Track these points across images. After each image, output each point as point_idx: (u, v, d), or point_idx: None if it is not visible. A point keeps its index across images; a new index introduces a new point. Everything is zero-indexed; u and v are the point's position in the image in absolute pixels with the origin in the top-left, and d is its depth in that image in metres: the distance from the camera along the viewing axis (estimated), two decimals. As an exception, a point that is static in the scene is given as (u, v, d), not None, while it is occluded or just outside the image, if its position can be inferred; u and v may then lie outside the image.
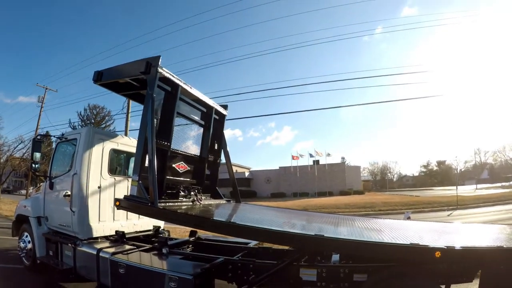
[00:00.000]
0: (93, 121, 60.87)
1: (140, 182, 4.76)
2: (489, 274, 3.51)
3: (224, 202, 7.17)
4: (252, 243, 5.98)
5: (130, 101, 19.76)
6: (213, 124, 7.04)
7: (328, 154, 61.70)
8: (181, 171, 6.13)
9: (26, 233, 7.19)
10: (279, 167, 63.76)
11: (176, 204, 5.34)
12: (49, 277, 6.63)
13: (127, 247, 5.64)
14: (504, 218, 17.25)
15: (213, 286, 4.58)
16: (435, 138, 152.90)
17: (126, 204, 4.88)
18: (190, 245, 6.35)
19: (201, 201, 6.13)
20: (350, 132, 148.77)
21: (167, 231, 7.35)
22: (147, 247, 5.70)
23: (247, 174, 64.00)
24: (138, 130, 5.06)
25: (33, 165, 6.79)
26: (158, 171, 4.85)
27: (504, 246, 3.35)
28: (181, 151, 6.13)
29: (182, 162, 6.15)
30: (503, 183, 55.63)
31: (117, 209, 5.06)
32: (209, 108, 6.90)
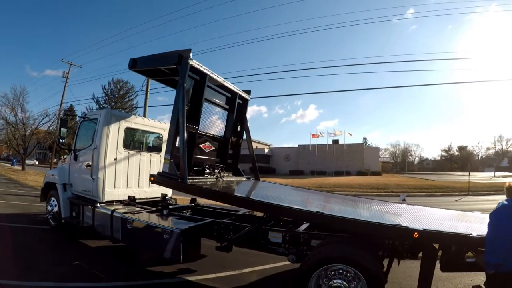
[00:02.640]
0: (116, 95, 62.08)
1: (172, 160, 5.47)
2: (431, 255, 4.14)
3: (244, 179, 7.98)
4: (242, 211, 6.92)
5: (149, 80, 20.78)
6: (236, 108, 7.81)
7: (350, 134, 61.75)
8: (206, 151, 7.00)
9: (53, 198, 8.35)
10: (298, 145, 64.07)
11: (202, 180, 6.16)
12: (71, 236, 7.80)
13: (136, 209, 6.71)
14: None
15: (199, 243, 5.54)
16: (459, 123, 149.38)
17: (159, 179, 5.61)
18: (189, 210, 7.39)
19: (224, 178, 6.97)
20: (375, 114, 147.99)
21: (174, 199, 8.33)
22: (152, 210, 6.74)
23: (266, 151, 64.72)
24: (171, 115, 5.66)
25: (60, 140, 7.97)
26: (187, 151, 5.56)
27: (454, 231, 4.10)
28: (207, 133, 6.95)
29: (207, 143, 7.00)
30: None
31: (152, 183, 5.85)
32: (233, 93, 7.63)
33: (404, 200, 8.08)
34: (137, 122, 7.88)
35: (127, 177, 7.53)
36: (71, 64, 35.12)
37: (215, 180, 6.61)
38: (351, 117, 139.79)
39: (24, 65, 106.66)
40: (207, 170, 6.72)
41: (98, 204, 6.87)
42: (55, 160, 39.79)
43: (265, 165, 57.02)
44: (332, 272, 4.14)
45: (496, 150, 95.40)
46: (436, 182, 36.72)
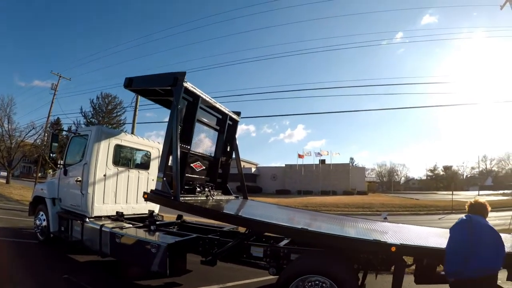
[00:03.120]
0: (104, 109, 61.51)
1: (165, 179, 5.62)
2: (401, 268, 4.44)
3: (233, 198, 8.21)
4: (226, 228, 7.20)
5: (139, 97, 21.08)
6: (226, 129, 8.08)
7: (338, 154, 62.85)
8: (197, 170, 7.20)
9: (41, 212, 8.46)
10: (285, 164, 64.73)
11: (193, 198, 6.32)
12: (59, 250, 7.89)
13: (124, 224, 6.91)
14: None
15: (185, 257, 5.82)
16: (444, 144, 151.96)
17: (152, 196, 5.75)
18: (176, 226, 7.62)
19: (213, 196, 7.16)
20: (362, 134, 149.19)
21: (161, 215, 8.53)
22: (140, 225, 6.98)
23: (253, 170, 64.92)
24: (165, 134, 5.86)
25: (51, 154, 8.20)
26: (182, 170, 5.84)
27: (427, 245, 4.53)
28: (198, 152, 7.20)
29: (198, 162, 7.21)
30: (505, 191, 55.77)
31: (145, 200, 5.92)
32: (224, 115, 7.90)
33: (385, 218, 8.43)
34: (126, 139, 8.14)
35: (115, 193, 7.73)
36: (60, 76, 34.89)
37: (205, 198, 6.82)
38: (338, 137, 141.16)
39: (12, 73, 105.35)
40: (198, 189, 6.93)
41: (87, 219, 7.04)
42: (40, 174, 39.30)
43: (251, 184, 57.14)
44: (309, 283, 4.41)
45: (480, 169, 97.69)
46: (421, 201, 37.45)
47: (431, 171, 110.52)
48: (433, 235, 5.76)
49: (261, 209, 7.57)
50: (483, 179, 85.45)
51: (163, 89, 6.55)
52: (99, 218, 7.24)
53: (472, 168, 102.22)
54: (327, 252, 4.84)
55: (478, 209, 3.91)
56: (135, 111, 21.79)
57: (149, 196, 5.76)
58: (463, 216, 3.88)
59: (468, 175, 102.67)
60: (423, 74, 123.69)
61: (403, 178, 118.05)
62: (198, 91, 6.41)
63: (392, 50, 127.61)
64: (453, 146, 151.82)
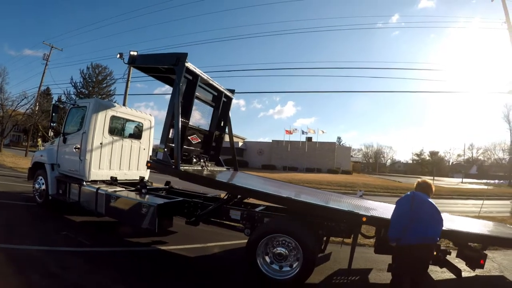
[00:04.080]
0: (94, 79, 61.56)
1: (165, 149, 6.18)
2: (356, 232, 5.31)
3: (225, 169, 8.89)
4: (210, 194, 8.07)
5: (131, 69, 21.51)
6: (221, 105, 8.63)
7: (323, 131, 63.49)
8: (194, 142, 7.80)
9: (40, 177, 9.13)
10: (272, 140, 65.15)
11: (190, 167, 6.92)
12: (56, 212, 8.63)
13: (118, 188, 7.68)
14: (456, 210, 18.87)
15: (172, 218, 6.68)
16: (432, 130, 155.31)
17: (155, 165, 6.30)
18: (164, 191, 8.41)
19: (208, 167, 7.81)
20: (352, 114, 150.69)
21: (150, 182, 9.23)
22: (132, 189, 7.75)
23: (240, 144, 65.27)
24: (167, 109, 6.35)
25: (51, 124, 8.87)
26: (181, 142, 6.34)
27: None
28: (195, 126, 7.74)
29: (195, 135, 7.78)
30: (488, 181, 56.77)
31: (148, 168, 6.65)
32: (220, 92, 8.40)
33: (361, 196, 9.23)
34: (121, 111, 8.81)
35: (110, 160, 8.44)
36: (52, 47, 34.96)
37: (200, 168, 7.47)
38: (328, 115, 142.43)
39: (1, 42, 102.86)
40: (194, 160, 7.58)
41: (84, 183, 7.77)
42: (30, 143, 39.45)
43: (238, 158, 56.20)
44: (276, 242, 5.26)
45: (466, 157, 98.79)
46: (403, 184, 38.03)
47: (417, 155, 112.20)
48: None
49: (251, 180, 8.30)
50: (468, 167, 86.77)
51: (165, 67, 7.06)
52: (95, 182, 7.95)
53: (459, 155, 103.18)
54: (295, 217, 5.70)
55: (423, 188, 4.52)
56: (127, 83, 22.30)
57: (152, 165, 6.37)
58: (408, 192, 4.53)
59: (454, 162, 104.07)
60: (417, 59, 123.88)
61: (389, 161, 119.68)
62: (198, 71, 6.91)
63: (387, 32, 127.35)
64: (441, 132, 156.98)
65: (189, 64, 6.43)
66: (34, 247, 5.72)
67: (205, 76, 7.29)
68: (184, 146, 7.32)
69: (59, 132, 9.03)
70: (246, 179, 8.10)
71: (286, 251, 5.17)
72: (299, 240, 5.08)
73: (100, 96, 56.37)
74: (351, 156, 75.10)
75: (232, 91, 9.01)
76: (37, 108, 33.67)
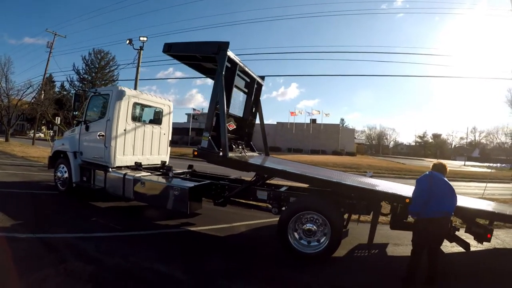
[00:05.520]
0: (97, 65, 61.20)
1: (210, 137, 6.23)
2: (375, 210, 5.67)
3: (257, 154, 8.92)
4: (233, 176, 8.35)
5: (141, 55, 21.70)
6: (254, 92, 8.67)
7: (327, 114, 63.50)
8: (230, 129, 7.69)
9: (62, 165, 9.25)
10: (277, 122, 65.54)
11: (234, 155, 6.94)
12: (81, 199, 8.77)
13: (143, 173, 7.90)
14: (460, 192, 19.17)
15: (201, 199, 6.95)
16: (435, 112, 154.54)
17: (202, 153, 6.30)
18: (188, 175, 8.67)
19: (246, 153, 7.99)
20: (355, 96, 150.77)
21: (170, 165, 9.24)
22: (158, 173, 7.99)
23: (245, 126, 64.72)
24: (210, 97, 6.37)
25: (74, 113, 9.07)
26: (218, 130, 6.43)
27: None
28: (232, 114, 7.72)
29: (231, 122, 7.72)
30: (491, 164, 56.93)
31: (194, 157, 6.51)
32: (252, 79, 8.42)
33: (371, 176, 9.62)
34: (143, 97, 8.96)
35: (133, 146, 8.64)
36: (55, 34, 34.58)
37: (240, 155, 7.60)
38: (331, 97, 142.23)
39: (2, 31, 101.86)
40: (233, 146, 7.66)
41: (110, 169, 7.97)
42: (38, 134, 39.35)
43: None
44: (305, 219, 5.58)
45: (469, 140, 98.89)
46: (407, 166, 38.48)
47: (420, 137, 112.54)
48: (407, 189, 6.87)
49: (285, 164, 8.44)
50: (470, 150, 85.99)
51: (203, 55, 6.99)
52: (119, 168, 8.16)
53: (461, 138, 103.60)
54: (320, 195, 6.09)
55: (439, 168, 4.97)
56: (137, 68, 22.39)
57: (199, 153, 6.36)
58: (426, 171, 4.97)
59: (457, 145, 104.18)
60: (421, 43, 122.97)
61: (392, 143, 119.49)
62: (237, 59, 6.93)
63: (391, 16, 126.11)
64: (444, 115, 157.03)
65: (230, 53, 6.45)
66: (70, 235, 5.86)
67: (242, 64, 7.33)
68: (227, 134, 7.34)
69: (74, 120, 9.10)
70: (284, 164, 8.30)
71: (315, 227, 5.49)
72: (328, 216, 5.42)
73: (103, 82, 56.27)
74: (355, 138, 75.15)
75: (263, 78, 8.99)
76: (42, 97, 33.56)
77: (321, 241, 5.48)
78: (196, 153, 6.40)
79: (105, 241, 5.76)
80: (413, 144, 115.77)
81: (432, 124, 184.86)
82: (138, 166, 8.38)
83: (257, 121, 9.16)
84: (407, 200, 5.19)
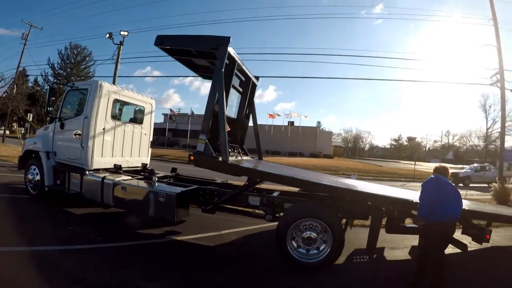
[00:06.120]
0: (73, 61, 59.13)
1: (207, 141, 5.65)
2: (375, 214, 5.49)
3: (251, 158, 8.28)
4: (219, 180, 7.83)
5: (121, 50, 20.88)
6: (249, 92, 8.15)
7: (305, 117, 63.90)
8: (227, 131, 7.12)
9: (33, 166, 8.38)
10: (255, 124, 64.56)
11: (232, 159, 6.32)
12: (54, 204, 7.90)
13: (123, 176, 7.21)
14: None
15: (188, 209, 6.34)
16: (410, 115, 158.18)
17: (199, 158, 5.68)
18: (172, 179, 8.05)
19: (242, 157, 7.43)
20: (331, 99, 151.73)
21: (152, 168, 8.64)
22: (139, 177, 7.31)
23: (223, 129, 64.38)
24: (207, 97, 5.76)
25: (48, 108, 8.26)
26: (215, 132, 5.91)
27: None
28: (227, 115, 7.02)
29: (227, 124, 7.12)
30: (465, 166, 58.73)
31: (190, 162, 5.76)
32: (248, 78, 7.90)
33: (356, 178, 9.61)
34: (124, 94, 8.24)
35: (112, 146, 7.95)
36: (31, 26, 33.19)
37: (238, 159, 7.03)
38: (308, 100, 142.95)
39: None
40: (229, 150, 7.00)
41: (86, 172, 7.24)
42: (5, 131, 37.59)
43: None
44: (304, 226, 5.27)
45: (442, 143, 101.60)
46: (384, 168, 39.24)
47: (396, 140, 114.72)
48: (401, 193, 6.99)
49: (283, 168, 8.03)
50: (444, 153, 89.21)
51: (199, 50, 6.44)
52: (97, 170, 7.47)
53: (435, 141, 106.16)
54: (317, 201, 5.82)
55: (442, 171, 4.98)
56: (116, 64, 21.39)
57: (196, 158, 5.74)
58: (432, 175, 4.89)
59: (431, 148, 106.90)
60: (397, 48, 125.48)
61: (367, 145, 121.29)
62: (236, 56, 6.45)
63: (370, 20, 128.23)
64: (418, 119, 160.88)
65: (230, 49, 5.92)
66: (44, 248, 5.19)
67: (240, 61, 6.82)
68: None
69: (47, 116, 8.29)
70: (282, 168, 7.92)
71: (315, 234, 5.22)
72: (329, 223, 5.19)
73: (78, 78, 54.63)
74: (332, 140, 75.88)
75: (257, 78, 8.49)
76: (14, 91, 32.03)
77: (321, 248, 5.23)
78: (192, 158, 5.77)
79: (85, 255, 5.16)
80: (388, 146, 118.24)
81: (407, 127, 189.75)
82: (117, 169, 7.69)
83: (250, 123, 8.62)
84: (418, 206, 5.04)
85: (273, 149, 57.78)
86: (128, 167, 8.36)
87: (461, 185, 24.52)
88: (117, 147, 8.13)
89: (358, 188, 6.00)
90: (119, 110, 8.47)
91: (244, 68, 7.24)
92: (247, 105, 8.32)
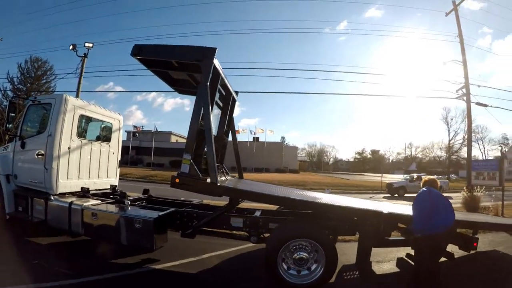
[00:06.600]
0: (33, 75, 55.97)
1: (192, 161, 5.17)
2: (363, 229, 5.48)
3: (232, 178, 7.81)
4: (196, 201, 7.39)
5: (85, 63, 20.02)
6: (229, 107, 7.70)
7: (271, 131, 64.07)
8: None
9: None
10: (220, 140, 64.13)
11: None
12: (14, 234, 6.97)
13: (92, 201, 6.51)
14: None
15: (166, 235, 5.80)
16: (373, 129, 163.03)
17: (186, 181, 5.17)
18: (144, 201, 7.49)
19: (227, 177, 6.99)
20: (294, 114, 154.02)
21: (123, 191, 7.93)
22: (110, 201, 6.67)
23: (187, 146, 63.51)
24: (192, 113, 5.29)
25: (7, 125, 7.43)
26: (199, 151, 5.57)
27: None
28: None
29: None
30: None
31: (174, 186, 5.26)
32: (229, 92, 7.46)
33: (330, 192, 9.60)
34: (90, 109, 7.60)
35: (79, 167, 7.26)
36: (-11, 36, 31.50)
37: (222, 179, 6.41)
38: (271, 116, 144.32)
39: None
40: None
41: (51, 197, 6.49)
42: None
43: None
44: (294, 247, 5.03)
45: (405, 155, 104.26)
46: (351, 181, 39.84)
47: (359, 154, 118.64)
48: (384, 206, 6.92)
49: (266, 187, 7.78)
50: (407, 164, 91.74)
51: (181, 62, 5.93)
52: (63, 195, 6.75)
53: (398, 153, 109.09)
54: (304, 220, 5.76)
55: (431, 183, 5.06)
56: (80, 78, 20.38)
57: (181, 180, 5.20)
58: (423, 188, 4.97)
59: (394, 160, 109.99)
60: (360, 63, 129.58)
61: (332, 159, 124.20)
62: (221, 69, 6.05)
63: (334, 37, 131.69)
64: (381, 132, 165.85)
65: (216, 61, 5.52)
66: None
67: (223, 75, 6.43)
68: (204, 156, 6.26)
69: (6, 134, 7.47)
70: (272, 188, 7.65)
71: (306, 255, 5.03)
72: (321, 242, 5.00)
73: (39, 93, 52.35)
74: (297, 155, 76.52)
75: (237, 93, 8.07)
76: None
77: (312, 268, 5.04)
78: (178, 180, 5.21)
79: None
80: (352, 160, 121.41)
81: (370, 140, 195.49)
82: (85, 193, 6.98)
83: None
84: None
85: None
86: (96, 190, 7.70)
87: (396, 195, 25.10)
88: (84, 168, 7.43)
89: (343, 204, 5.91)
90: (85, 127, 7.82)
91: (226, 82, 6.88)
92: (228, 121, 7.93)
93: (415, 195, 5.10)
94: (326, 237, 5.19)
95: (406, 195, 25.47)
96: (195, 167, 5.20)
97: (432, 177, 5.44)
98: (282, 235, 5.13)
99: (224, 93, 7.36)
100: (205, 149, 5.91)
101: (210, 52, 5.32)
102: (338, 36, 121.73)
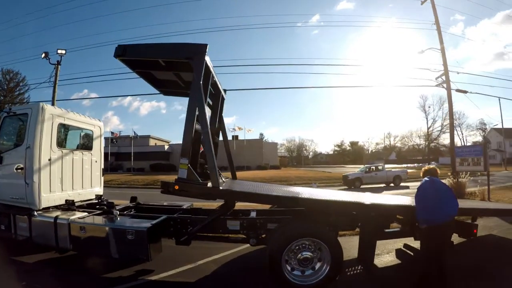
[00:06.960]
0: (5, 87, 55.14)
1: (189, 165, 4.98)
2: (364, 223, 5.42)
3: (226, 180, 7.45)
4: (186, 205, 7.14)
5: (58, 71, 19.39)
6: (219, 106, 7.44)
7: (249, 130, 64.05)
8: (200, 152, 6.19)
9: None
10: (200, 140, 63.68)
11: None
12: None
13: (78, 213, 6.17)
14: (396, 193, 19.89)
15: (161, 244, 5.56)
16: (350, 121, 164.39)
17: (186, 187, 4.95)
18: (133, 209, 7.17)
19: (224, 180, 6.72)
20: (272, 111, 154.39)
21: (112, 201, 7.61)
22: (98, 212, 6.34)
23: (166, 147, 62.33)
24: (186, 115, 5.08)
25: None
26: (195, 153, 5.34)
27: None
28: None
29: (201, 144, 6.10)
30: (408, 164, 61.74)
31: (172, 193, 5.02)
32: (218, 91, 7.19)
33: (317, 187, 9.57)
34: (69, 117, 7.22)
35: (61, 179, 6.87)
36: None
37: (222, 181, 6.23)
38: (249, 114, 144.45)
39: None
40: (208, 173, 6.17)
41: (35, 212, 6.12)
42: None
43: (165, 162, 55.78)
44: (297, 247, 4.89)
45: (384, 145, 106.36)
46: (333, 174, 39.87)
47: (339, 146, 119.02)
48: (380, 198, 7.08)
49: (263, 187, 7.45)
50: (387, 154, 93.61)
51: (169, 61, 5.70)
52: (47, 209, 6.38)
53: (377, 143, 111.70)
54: (304, 218, 5.49)
55: (433, 173, 5.01)
56: (54, 86, 19.68)
57: (181, 186, 4.95)
58: (425, 178, 4.92)
59: (373, 150, 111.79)
60: (335, 55, 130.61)
61: (311, 153, 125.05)
62: (211, 67, 5.80)
63: (308, 30, 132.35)
64: (359, 123, 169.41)
65: (207, 59, 5.29)
66: None
67: (214, 73, 6.18)
68: (200, 159, 6.10)
69: None
70: (267, 188, 7.37)
71: (310, 254, 4.91)
72: (325, 240, 4.88)
73: (13, 105, 50.91)
74: (277, 151, 76.66)
75: (225, 91, 7.83)
76: None
77: (316, 268, 4.93)
78: (177, 187, 4.95)
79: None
80: (332, 153, 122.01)
81: (349, 132, 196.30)
82: (70, 205, 6.61)
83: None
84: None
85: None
86: (81, 201, 7.32)
87: (353, 187, 24.28)
88: (67, 179, 7.04)
89: (341, 199, 5.89)
90: (64, 136, 7.45)
91: (216, 79, 6.64)
92: (218, 121, 7.68)
93: (372, 186, 5.09)
94: (329, 234, 5.06)
95: (362, 186, 24.60)
96: (193, 172, 5.03)
97: (432, 166, 5.39)
98: (284, 236, 4.94)
99: (213, 92, 7.11)
100: (200, 152, 5.81)
101: (201, 49, 5.13)
102: (311, 29, 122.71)
